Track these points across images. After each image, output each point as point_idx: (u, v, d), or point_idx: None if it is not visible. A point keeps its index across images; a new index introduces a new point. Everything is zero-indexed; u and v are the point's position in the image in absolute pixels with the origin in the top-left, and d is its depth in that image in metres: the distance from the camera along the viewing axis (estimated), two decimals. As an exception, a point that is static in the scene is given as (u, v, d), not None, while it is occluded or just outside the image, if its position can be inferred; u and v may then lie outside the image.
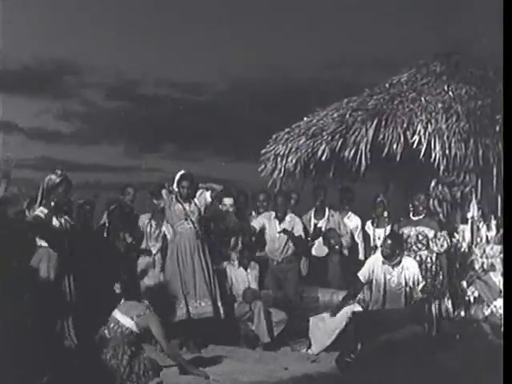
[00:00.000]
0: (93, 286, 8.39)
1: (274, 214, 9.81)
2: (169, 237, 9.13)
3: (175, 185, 8.84)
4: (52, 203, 7.87)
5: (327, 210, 10.00)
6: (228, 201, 9.67)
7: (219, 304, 8.78)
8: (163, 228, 9.35)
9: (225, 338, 8.78)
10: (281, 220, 9.75)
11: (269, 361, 8.28)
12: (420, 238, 9.20)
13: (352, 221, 10.19)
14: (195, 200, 8.85)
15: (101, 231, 9.40)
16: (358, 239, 10.16)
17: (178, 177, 8.87)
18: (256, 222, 9.76)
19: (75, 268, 8.07)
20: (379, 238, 9.84)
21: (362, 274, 8.84)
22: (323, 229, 9.85)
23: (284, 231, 9.63)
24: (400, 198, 10.44)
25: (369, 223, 10.24)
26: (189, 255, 8.74)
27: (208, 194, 8.89)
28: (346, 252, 9.74)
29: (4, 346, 6.79)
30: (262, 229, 9.74)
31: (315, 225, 9.92)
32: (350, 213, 10.24)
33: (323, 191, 10.17)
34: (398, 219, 9.85)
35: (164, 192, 8.83)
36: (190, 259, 8.73)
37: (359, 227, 10.19)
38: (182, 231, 8.80)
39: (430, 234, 9.24)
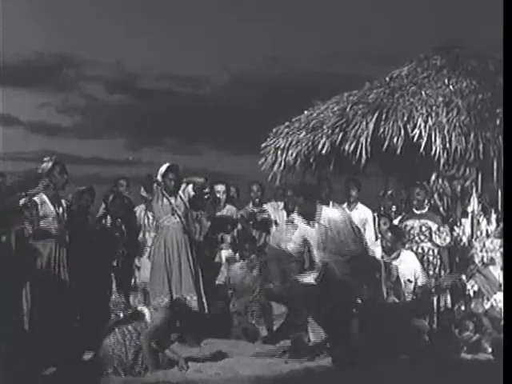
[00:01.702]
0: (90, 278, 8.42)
1: (282, 204, 9.73)
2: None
3: (159, 177, 8.78)
4: (50, 185, 7.98)
5: (331, 203, 9.90)
6: (220, 187, 9.61)
7: (204, 299, 8.75)
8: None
9: (213, 332, 8.80)
10: (289, 212, 9.68)
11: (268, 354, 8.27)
12: (423, 229, 9.19)
13: (361, 212, 10.06)
14: (180, 194, 8.82)
15: (99, 222, 9.35)
16: (366, 230, 10.01)
17: (163, 169, 8.81)
18: (270, 213, 9.74)
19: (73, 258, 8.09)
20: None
21: None
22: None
23: (290, 221, 9.57)
24: (400, 192, 10.43)
25: (374, 215, 10.15)
26: (176, 250, 8.71)
27: (190, 187, 8.85)
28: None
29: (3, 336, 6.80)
30: (268, 219, 9.71)
31: None
32: (358, 204, 10.10)
33: (327, 184, 10.04)
34: (400, 213, 9.83)
35: (154, 185, 8.78)
36: (176, 254, 8.71)
37: (369, 219, 10.05)
38: (169, 225, 8.77)
39: (434, 227, 9.21)
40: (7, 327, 6.82)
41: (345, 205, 10.05)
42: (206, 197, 9.33)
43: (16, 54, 19.01)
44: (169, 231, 8.76)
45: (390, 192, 10.24)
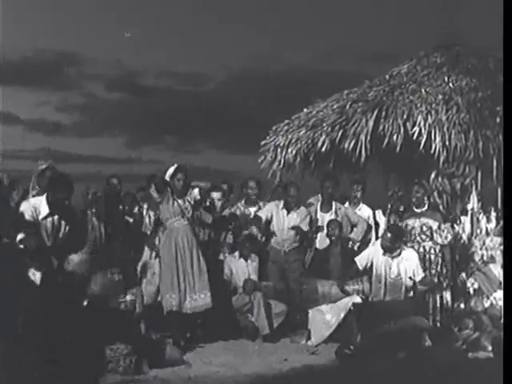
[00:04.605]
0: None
1: (281, 203, 9.72)
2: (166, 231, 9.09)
3: (167, 178, 8.83)
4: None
5: (334, 203, 9.86)
6: (216, 195, 9.66)
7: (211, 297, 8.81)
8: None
9: (222, 330, 8.85)
10: (290, 210, 9.67)
11: (268, 352, 8.28)
12: (424, 229, 9.17)
13: (363, 212, 10.05)
14: (187, 198, 8.90)
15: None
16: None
17: (172, 170, 8.86)
18: (263, 213, 9.71)
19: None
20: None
21: (360, 260, 8.81)
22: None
23: (295, 228, 9.58)
24: (400, 190, 10.42)
25: (380, 213, 10.13)
26: (188, 250, 8.77)
27: (196, 191, 8.92)
28: (349, 244, 9.70)
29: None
30: (269, 219, 9.69)
31: (317, 221, 9.83)
32: (361, 204, 10.09)
33: (331, 183, 9.97)
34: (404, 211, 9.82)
35: (167, 189, 8.84)
36: (188, 254, 8.76)
37: (371, 219, 10.04)
38: (179, 227, 8.83)
39: (434, 225, 9.19)
40: (6, 326, 6.79)
41: (347, 204, 10.04)
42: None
43: (16, 52, 19.00)
44: (179, 233, 8.81)
45: (399, 193, 10.23)
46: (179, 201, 8.82)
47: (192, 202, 8.90)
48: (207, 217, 9.37)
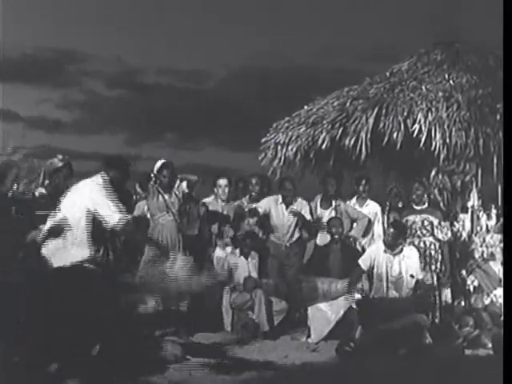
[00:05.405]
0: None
1: (280, 198, 9.71)
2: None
3: (154, 171, 8.87)
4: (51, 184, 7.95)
5: (334, 199, 9.84)
6: (222, 182, 9.63)
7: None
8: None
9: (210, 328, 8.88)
10: (288, 204, 9.66)
11: (269, 349, 8.27)
12: (425, 223, 9.17)
13: (371, 208, 10.03)
14: (174, 191, 8.89)
15: None
16: (376, 226, 10.00)
17: (158, 165, 8.89)
18: (261, 207, 9.70)
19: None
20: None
21: (363, 261, 8.80)
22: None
23: (293, 212, 9.55)
24: (399, 186, 10.41)
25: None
26: (170, 248, 8.78)
27: (184, 184, 8.93)
28: (350, 242, 9.70)
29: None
30: (267, 213, 9.67)
31: (320, 217, 9.82)
32: (368, 200, 10.07)
33: (332, 180, 9.91)
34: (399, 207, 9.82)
35: (150, 184, 8.87)
36: (171, 252, 8.78)
37: (379, 214, 10.02)
38: (164, 223, 8.85)
39: (435, 221, 9.20)
40: (6, 324, 6.78)
41: (354, 200, 10.04)
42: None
43: (16, 49, 19.03)
44: (163, 229, 8.83)
45: (398, 189, 10.22)
46: (165, 195, 8.84)
47: (180, 196, 8.92)
48: (200, 210, 9.37)
